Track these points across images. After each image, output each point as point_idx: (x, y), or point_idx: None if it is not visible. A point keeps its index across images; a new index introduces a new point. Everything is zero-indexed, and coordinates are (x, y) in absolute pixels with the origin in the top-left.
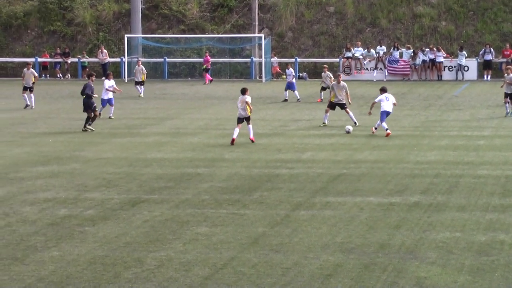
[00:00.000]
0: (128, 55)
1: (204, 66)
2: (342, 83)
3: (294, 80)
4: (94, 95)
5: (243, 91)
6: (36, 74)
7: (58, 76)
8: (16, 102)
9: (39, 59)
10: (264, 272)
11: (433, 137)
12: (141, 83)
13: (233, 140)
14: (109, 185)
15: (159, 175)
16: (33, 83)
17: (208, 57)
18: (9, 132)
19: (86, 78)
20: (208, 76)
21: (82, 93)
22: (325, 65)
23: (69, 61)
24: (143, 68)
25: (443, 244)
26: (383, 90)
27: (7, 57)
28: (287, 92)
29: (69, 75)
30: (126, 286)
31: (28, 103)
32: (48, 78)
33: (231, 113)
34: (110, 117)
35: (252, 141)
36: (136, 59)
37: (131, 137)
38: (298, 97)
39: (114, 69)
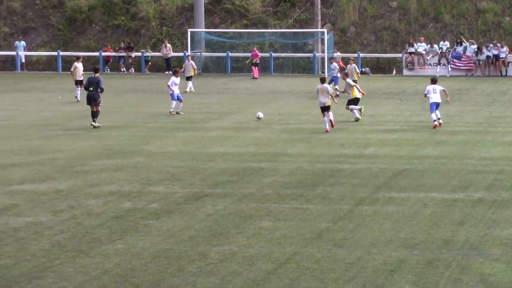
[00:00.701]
0: (191, 50)
1: (254, 60)
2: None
3: (338, 75)
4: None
5: (322, 80)
6: (195, 66)
7: (122, 70)
8: (79, 96)
9: (103, 53)
10: (327, 267)
11: (497, 133)
12: (189, 78)
13: (327, 131)
14: (173, 178)
15: (222, 169)
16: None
17: (257, 51)
18: (74, 125)
19: (94, 72)
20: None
21: (101, 88)
22: (351, 59)
23: (133, 55)
24: (193, 63)
25: (508, 240)
26: (433, 81)
27: (72, 51)
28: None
29: (133, 69)
30: (190, 279)
31: (79, 98)
32: (109, 72)
33: (293, 108)
34: (178, 113)
35: (332, 126)
36: (199, 53)
37: (194, 131)
38: (338, 92)
39: (178, 63)
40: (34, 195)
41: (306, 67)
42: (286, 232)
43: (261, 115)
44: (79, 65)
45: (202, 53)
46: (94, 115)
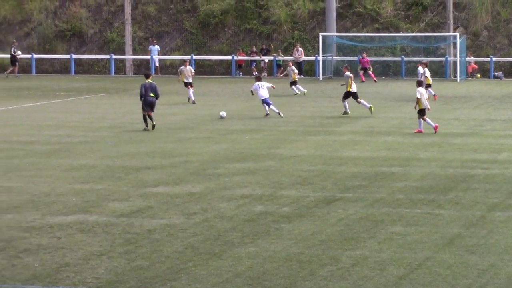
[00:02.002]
0: (322, 54)
1: (366, 68)
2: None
3: (423, 79)
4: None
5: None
6: (193, 70)
7: (254, 74)
8: (213, 99)
9: (235, 57)
10: (459, 273)
11: None
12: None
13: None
14: (304, 182)
15: (353, 174)
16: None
17: (366, 58)
18: (207, 128)
19: (145, 77)
20: (366, 76)
21: (157, 94)
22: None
23: (266, 59)
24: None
25: None
26: None
27: (205, 55)
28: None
29: (266, 73)
30: (322, 283)
31: (193, 98)
32: (241, 76)
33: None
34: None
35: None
36: (330, 57)
37: (325, 135)
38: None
39: (309, 67)
40: (168, 197)
41: (438, 71)
42: (417, 237)
43: (224, 114)
44: (185, 69)
45: (334, 57)
46: (150, 118)
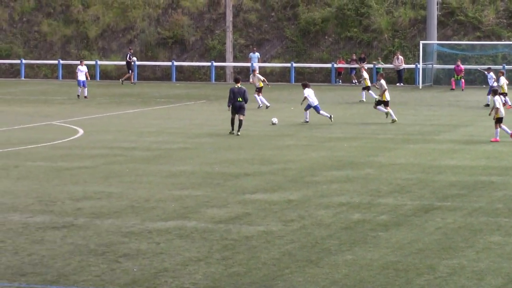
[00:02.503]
0: (423, 62)
1: (459, 77)
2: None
3: (495, 84)
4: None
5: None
6: (263, 78)
7: (354, 81)
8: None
9: (335, 65)
10: None
11: None
12: (260, 89)
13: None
14: (402, 191)
15: (452, 182)
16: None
17: (461, 66)
18: (305, 136)
19: (235, 82)
20: (458, 84)
21: (246, 99)
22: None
23: (365, 67)
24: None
25: None
26: None
27: (305, 62)
28: (489, 97)
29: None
30: None
31: (261, 104)
32: (340, 83)
33: None
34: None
35: None
36: (430, 65)
37: (424, 144)
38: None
39: (409, 75)
40: (266, 204)
41: None
42: None
43: (275, 120)
44: (254, 77)
45: (434, 65)
46: (239, 124)
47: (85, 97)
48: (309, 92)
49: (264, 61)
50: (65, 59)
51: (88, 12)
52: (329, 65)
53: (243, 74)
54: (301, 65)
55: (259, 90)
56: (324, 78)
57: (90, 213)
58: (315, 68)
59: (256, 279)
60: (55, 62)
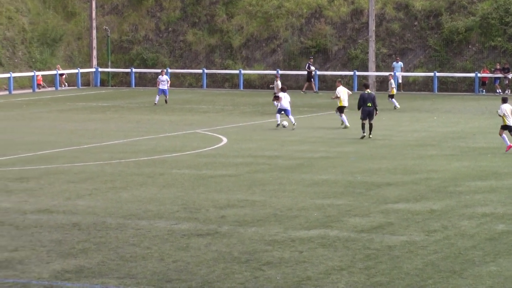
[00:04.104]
0: None
1: None
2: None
3: None
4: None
5: (504, 100)
6: (350, 92)
7: (497, 91)
8: (456, 116)
9: (479, 75)
10: None
11: None
12: (277, 97)
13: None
14: None
15: None
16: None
17: None
18: (449, 146)
19: (364, 88)
20: None
21: (374, 105)
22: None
23: (510, 76)
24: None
25: None
26: None
27: (448, 72)
28: None
29: (509, 91)
30: None
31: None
32: (484, 93)
33: None
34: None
35: None
36: None
37: None
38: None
39: None
40: (409, 214)
41: None
42: None
43: (286, 123)
44: (342, 90)
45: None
46: (370, 128)
47: (166, 101)
48: (284, 96)
49: (407, 70)
50: (210, 68)
51: (232, 22)
52: (472, 75)
53: (385, 84)
54: (444, 75)
55: (276, 97)
56: (468, 88)
57: (234, 221)
58: (458, 77)
59: None
60: (200, 71)
